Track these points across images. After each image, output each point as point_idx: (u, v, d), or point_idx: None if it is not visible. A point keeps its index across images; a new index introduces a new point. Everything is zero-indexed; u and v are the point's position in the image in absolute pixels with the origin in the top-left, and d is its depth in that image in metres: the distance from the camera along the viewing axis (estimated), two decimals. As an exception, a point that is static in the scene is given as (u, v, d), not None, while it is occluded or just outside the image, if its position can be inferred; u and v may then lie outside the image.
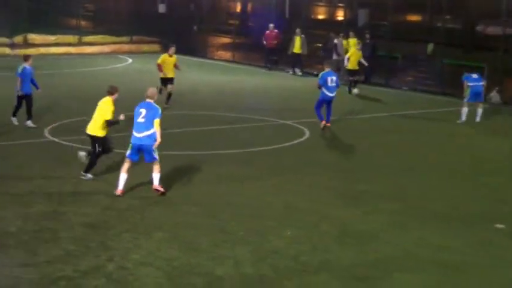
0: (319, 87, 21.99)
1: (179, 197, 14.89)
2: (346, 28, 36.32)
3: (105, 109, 15.55)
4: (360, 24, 45.48)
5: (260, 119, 23.55)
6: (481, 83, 24.15)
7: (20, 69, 20.79)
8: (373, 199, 15.20)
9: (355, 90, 30.02)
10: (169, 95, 25.01)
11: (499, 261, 11.86)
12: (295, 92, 30.41)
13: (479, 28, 49.52)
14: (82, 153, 16.06)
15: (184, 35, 43.72)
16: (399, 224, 13.59)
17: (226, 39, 48.72)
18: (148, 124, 14.66)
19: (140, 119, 14.73)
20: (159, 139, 14.72)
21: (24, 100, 20.84)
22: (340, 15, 46.27)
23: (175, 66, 25.27)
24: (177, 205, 14.33)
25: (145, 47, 44.29)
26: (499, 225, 13.59)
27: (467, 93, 24.03)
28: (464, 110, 24.08)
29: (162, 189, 14.87)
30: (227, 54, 43.58)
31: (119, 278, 10.70)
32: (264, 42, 37.29)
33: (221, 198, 14.93)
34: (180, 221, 13.39)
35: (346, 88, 29.67)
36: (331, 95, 21.91)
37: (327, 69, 22.25)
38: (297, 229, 13.12)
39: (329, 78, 21.84)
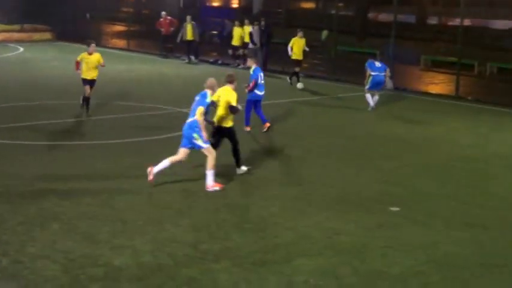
0: (255, 86, 19.92)
1: (74, 187, 14.61)
2: (241, 15, 36.46)
3: (228, 96, 15.19)
4: (255, 11, 45.75)
5: (156, 107, 23.33)
6: (383, 73, 24.14)
7: None
8: (271, 185, 15.28)
9: (299, 85, 28.91)
10: (87, 100, 21.86)
11: (393, 243, 12.09)
12: (191, 80, 30.25)
13: (370, 15, 50.61)
14: (243, 169, 15.89)
15: (77, 23, 42.97)
16: (297, 209, 13.70)
17: (120, 27, 48.16)
18: (193, 112, 14.64)
19: (192, 106, 14.81)
20: (202, 128, 14.54)
21: None
22: (235, 3, 46.39)
23: (101, 64, 21.90)
24: (73, 196, 14.02)
25: (36, 36, 43.35)
26: (393, 208, 13.88)
27: (368, 81, 24.07)
28: (368, 96, 24.28)
29: (216, 187, 14.63)
30: (122, 42, 43.06)
31: (15, 272, 10.40)
32: (162, 29, 37.02)
33: (117, 187, 14.71)
34: (76, 212, 13.12)
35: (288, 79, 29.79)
36: (261, 93, 20.20)
37: (254, 65, 20.11)
38: (195, 217, 13.07)
39: (259, 75, 20.08)
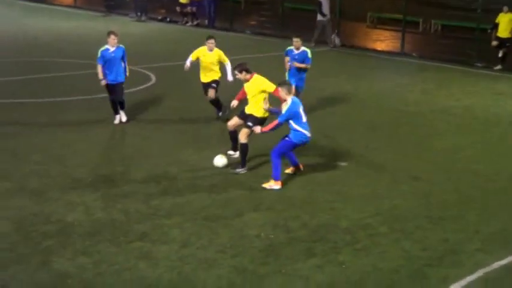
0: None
1: (24, 146, 14.58)
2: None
3: None
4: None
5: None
6: None
7: None
8: (227, 143, 15.28)
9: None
10: None
11: (342, 196, 12.31)
12: (138, 37, 30.03)
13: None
14: None
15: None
16: (248, 167, 13.80)
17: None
18: None
19: None
20: None
21: None
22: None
23: None
24: (23, 154, 14.03)
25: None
26: (342, 163, 14.12)
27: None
28: None
29: None
30: (68, 0, 42.45)
31: (-34, 230, 10.44)
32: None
33: (67, 145, 14.72)
34: (27, 170, 13.13)
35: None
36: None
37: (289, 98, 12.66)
38: (146, 173, 13.14)
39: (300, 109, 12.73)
